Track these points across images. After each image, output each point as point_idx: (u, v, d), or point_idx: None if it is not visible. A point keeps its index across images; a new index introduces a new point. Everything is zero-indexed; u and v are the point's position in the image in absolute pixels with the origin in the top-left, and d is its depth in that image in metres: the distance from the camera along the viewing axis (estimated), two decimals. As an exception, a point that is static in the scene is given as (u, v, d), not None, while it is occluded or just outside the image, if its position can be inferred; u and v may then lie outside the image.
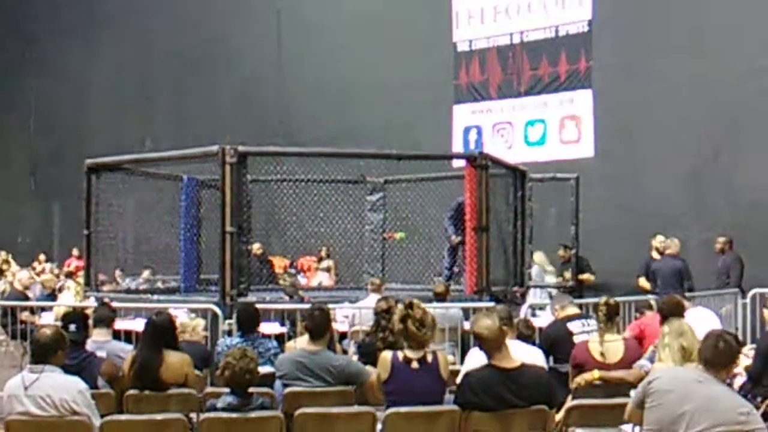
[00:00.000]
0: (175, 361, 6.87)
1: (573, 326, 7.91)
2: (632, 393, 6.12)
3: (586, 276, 15.36)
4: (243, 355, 6.02)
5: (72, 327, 7.56)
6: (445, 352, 8.84)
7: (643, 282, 14.16)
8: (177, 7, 23.55)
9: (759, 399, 6.66)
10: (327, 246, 16.66)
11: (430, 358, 6.04)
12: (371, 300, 10.71)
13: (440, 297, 10.85)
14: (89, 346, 7.43)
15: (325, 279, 17.05)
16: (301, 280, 16.10)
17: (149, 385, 6.67)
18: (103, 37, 24.76)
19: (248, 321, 8.11)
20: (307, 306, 8.49)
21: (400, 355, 6.05)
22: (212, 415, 5.87)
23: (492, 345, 5.75)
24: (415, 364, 5.99)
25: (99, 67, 24.76)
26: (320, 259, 17.50)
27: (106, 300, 9.96)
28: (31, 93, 25.81)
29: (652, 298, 11.35)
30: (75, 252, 20.86)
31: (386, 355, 6.11)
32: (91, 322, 8.01)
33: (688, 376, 5.16)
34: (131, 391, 6.61)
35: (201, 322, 9.03)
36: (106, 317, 8.21)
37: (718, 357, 5.05)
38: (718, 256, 14.54)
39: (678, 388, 5.04)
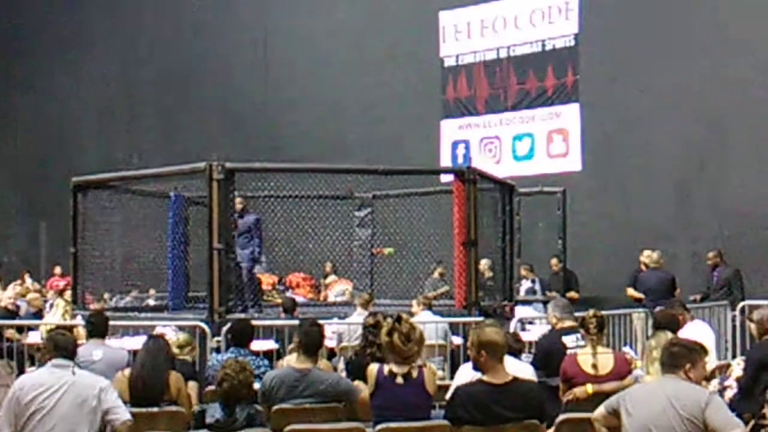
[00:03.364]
0: (171, 378, 6.86)
1: (568, 339, 7.85)
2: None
3: (570, 294, 15.38)
4: (242, 368, 5.99)
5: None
6: (434, 367, 8.80)
7: (632, 292, 14.16)
8: (163, 24, 23.55)
9: (747, 414, 6.62)
10: (331, 261, 16.59)
11: (415, 372, 6.02)
12: (359, 316, 10.67)
13: (426, 307, 10.83)
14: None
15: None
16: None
17: (150, 403, 6.62)
18: (90, 55, 24.70)
19: (242, 336, 8.06)
20: (296, 322, 8.43)
21: (385, 369, 6.03)
22: (200, 432, 5.84)
23: (501, 352, 5.75)
24: (399, 379, 5.97)
25: (85, 85, 24.71)
26: (326, 275, 17.41)
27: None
28: (17, 111, 25.73)
29: (641, 311, 11.38)
30: (57, 270, 20.75)
31: (372, 369, 6.11)
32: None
33: (651, 383, 5.64)
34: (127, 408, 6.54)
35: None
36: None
37: (673, 359, 5.36)
38: (710, 269, 14.58)
39: (643, 395, 5.30)
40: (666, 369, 5.35)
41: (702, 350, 5.56)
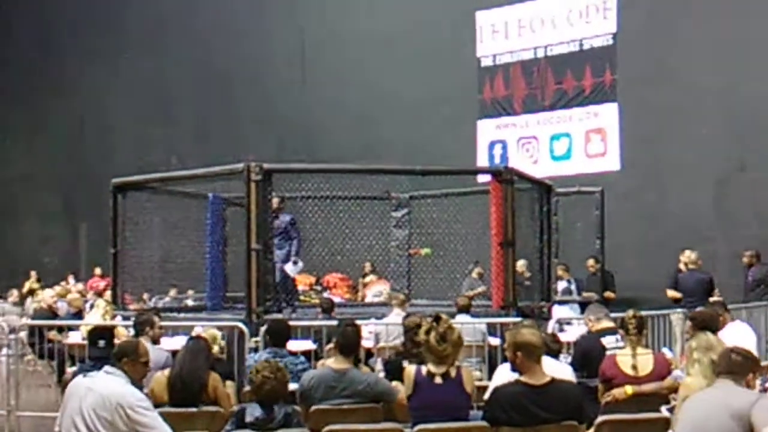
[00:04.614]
0: (210, 379, 6.92)
1: (606, 341, 7.81)
2: (663, 408, 6.08)
3: (607, 293, 15.27)
4: (278, 368, 6.01)
5: (101, 343, 7.53)
6: (472, 368, 8.78)
7: (672, 293, 14.01)
8: (200, 26, 23.70)
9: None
10: (370, 262, 16.62)
11: (453, 372, 6.02)
12: (395, 316, 10.66)
13: (463, 309, 10.80)
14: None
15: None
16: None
17: (188, 403, 6.65)
18: (127, 57, 24.90)
19: (278, 336, 8.06)
20: (334, 323, 8.44)
21: (423, 369, 6.03)
22: (239, 432, 5.85)
23: (537, 353, 5.71)
24: (438, 379, 5.97)
25: (123, 87, 24.91)
26: (365, 275, 17.43)
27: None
28: (55, 114, 25.98)
29: (680, 311, 11.27)
30: (98, 271, 20.93)
31: (410, 370, 6.11)
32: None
33: (704, 389, 5.39)
34: (166, 409, 6.55)
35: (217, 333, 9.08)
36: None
37: (734, 367, 5.21)
38: (745, 269, 14.44)
39: (695, 401, 5.20)
40: (725, 376, 5.21)
41: (759, 364, 5.50)
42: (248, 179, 11.02)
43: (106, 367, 5.77)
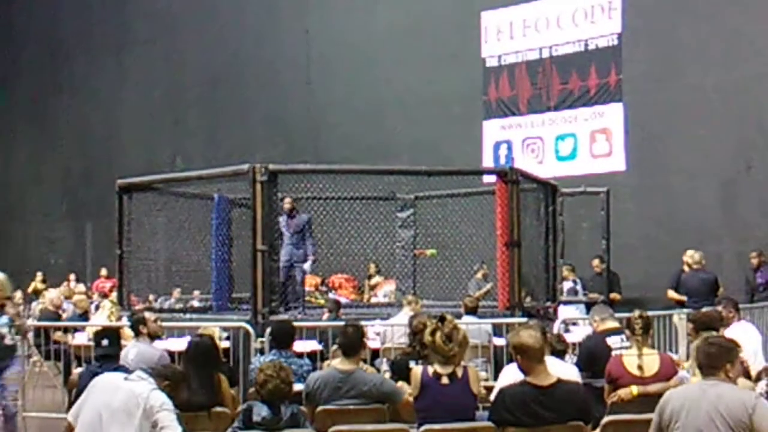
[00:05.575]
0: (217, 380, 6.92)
1: (612, 341, 7.79)
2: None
3: (612, 295, 15.26)
4: (281, 367, 6.02)
5: (104, 342, 7.54)
6: (477, 368, 8.78)
7: (673, 294, 13.96)
8: (207, 27, 23.70)
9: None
10: (374, 263, 16.63)
11: (460, 372, 6.03)
12: (403, 315, 10.65)
13: (471, 311, 10.79)
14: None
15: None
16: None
17: (196, 406, 6.65)
18: (134, 58, 24.95)
19: (283, 337, 8.04)
20: (341, 323, 8.44)
21: (429, 370, 6.04)
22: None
23: (536, 355, 5.70)
24: (444, 380, 5.97)
25: (130, 87, 24.95)
26: (370, 276, 17.45)
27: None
28: (63, 113, 26.03)
29: (684, 311, 11.25)
30: (103, 272, 20.94)
31: (417, 371, 6.11)
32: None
33: (694, 388, 5.33)
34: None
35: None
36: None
37: (712, 359, 5.22)
38: (754, 271, 14.41)
39: (688, 403, 5.12)
40: (706, 371, 5.23)
41: (737, 347, 5.49)
42: (253, 180, 11.04)
43: (138, 372, 5.81)
